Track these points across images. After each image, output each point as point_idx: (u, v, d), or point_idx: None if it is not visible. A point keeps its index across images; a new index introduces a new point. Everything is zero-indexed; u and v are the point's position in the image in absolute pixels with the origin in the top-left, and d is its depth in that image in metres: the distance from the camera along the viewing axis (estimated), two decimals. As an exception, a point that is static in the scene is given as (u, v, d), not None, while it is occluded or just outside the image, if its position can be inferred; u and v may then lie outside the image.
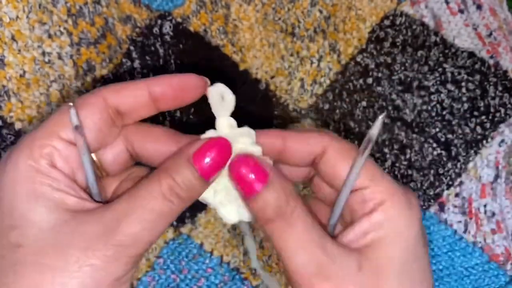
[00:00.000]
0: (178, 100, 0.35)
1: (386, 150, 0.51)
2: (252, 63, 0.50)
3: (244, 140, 0.35)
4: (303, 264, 0.32)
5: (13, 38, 0.46)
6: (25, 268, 0.27)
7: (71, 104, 0.31)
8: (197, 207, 0.50)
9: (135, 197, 0.30)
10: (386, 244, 0.33)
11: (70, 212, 0.29)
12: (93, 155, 0.34)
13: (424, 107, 0.52)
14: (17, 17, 0.46)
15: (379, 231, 0.33)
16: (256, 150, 0.35)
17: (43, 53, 0.47)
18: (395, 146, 0.51)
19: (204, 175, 0.31)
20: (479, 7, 0.53)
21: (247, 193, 0.33)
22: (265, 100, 0.51)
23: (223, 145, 0.31)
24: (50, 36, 0.47)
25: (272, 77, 0.51)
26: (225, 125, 0.35)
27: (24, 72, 0.47)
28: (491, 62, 0.52)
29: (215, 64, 0.50)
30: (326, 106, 0.51)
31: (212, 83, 0.37)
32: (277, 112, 0.51)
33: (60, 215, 0.29)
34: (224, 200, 0.34)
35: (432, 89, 0.52)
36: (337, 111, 0.51)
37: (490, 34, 0.53)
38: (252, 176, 0.32)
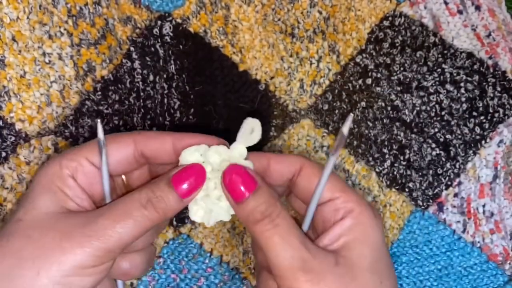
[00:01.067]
0: None
1: (385, 150, 0.52)
2: (251, 63, 0.51)
3: (244, 162, 0.38)
4: (289, 259, 0.35)
5: (13, 39, 0.47)
6: (15, 237, 0.33)
7: (98, 120, 0.37)
8: (197, 207, 0.50)
9: (118, 202, 0.35)
10: (357, 245, 0.37)
11: (66, 209, 0.35)
12: (123, 176, 0.40)
13: (423, 107, 0.52)
14: (18, 18, 0.47)
15: (350, 234, 0.38)
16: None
17: (44, 54, 0.47)
18: (394, 146, 0.52)
19: (180, 195, 0.35)
20: (478, 8, 0.53)
21: (237, 198, 0.37)
22: (265, 100, 0.51)
23: (199, 172, 0.36)
24: (50, 37, 0.47)
25: (271, 78, 0.51)
26: (237, 151, 0.39)
27: (25, 72, 0.47)
28: (490, 62, 0.52)
29: (215, 65, 0.50)
30: (326, 107, 0.52)
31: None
32: (277, 112, 0.51)
33: (57, 208, 0.35)
34: (198, 200, 0.37)
35: (431, 90, 0.52)
36: (336, 111, 0.52)
37: (489, 35, 0.53)
38: (242, 183, 0.37)
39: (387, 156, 0.52)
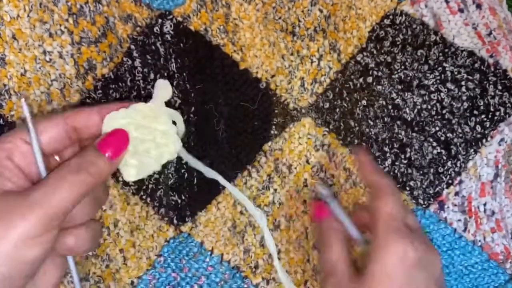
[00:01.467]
0: None
1: (386, 148, 0.52)
2: (252, 62, 0.50)
3: (164, 118, 0.41)
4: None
5: (14, 37, 0.47)
6: None
7: (23, 99, 0.39)
8: (197, 206, 0.50)
9: (51, 173, 0.37)
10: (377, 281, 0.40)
11: (3, 191, 0.36)
12: (57, 157, 0.41)
13: (424, 106, 0.52)
14: (18, 16, 0.47)
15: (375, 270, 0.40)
16: (172, 129, 0.42)
17: (44, 52, 0.47)
18: (395, 145, 0.52)
19: (108, 157, 0.38)
20: (478, 6, 0.53)
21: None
22: (266, 99, 0.51)
23: (121, 136, 0.38)
24: (51, 35, 0.47)
25: (272, 76, 0.51)
26: (156, 104, 0.42)
27: (25, 71, 0.47)
28: (491, 61, 0.52)
29: (215, 63, 0.50)
30: (326, 105, 0.52)
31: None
32: (277, 111, 0.51)
33: None
34: (128, 159, 0.40)
35: (432, 88, 0.52)
36: (337, 110, 0.52)
37: (490, 33, 0.53)
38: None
39: (388, 154, 0.52)
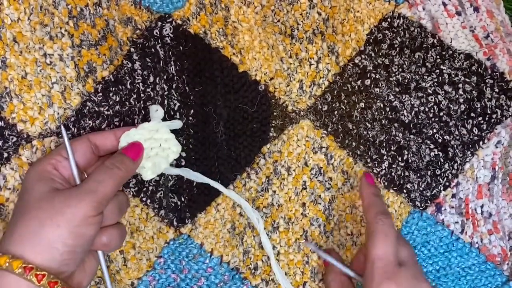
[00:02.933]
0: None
1: (383, 151, 0.52)
2: (251, 64, 0.51)
3: (164, 130, 0.49)
4: None
5: (14, 40, 0.47)
6: (30, 209, 0.43)
7: (63, 127, 0.46)
8: (197, 208, 0.50)
9: (93, 172, 0.46)
10: None
11: (55, 189, 0.44)
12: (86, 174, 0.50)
13: (422, 108, 0.52)
14: (19, 19, 0.47)
15: None
16: (171, 137, 0.49)
17: (45, 55, 0.47)
18: (393, 147, 0.52)
19: (132, 158, 0.47)
20: (476, 9, 0.53)
21: None
22: (264, 101, 0.51)
23: (138, 145, 0.48)
24: (51, 38, 0.47)
25: (271, 79, 0.51)
26: (155, 122, 0.49)
27: (26, 73, 0.47)
28: (488, 64, 0.53)
29: (214, 66, 0.50)
30: (325, 108, 0.52)
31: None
32: (276, 113, 0.51)
33: (51, 189, 0.44)
34: (144, 163, 0.48)
35: (430, 91, 0.52)
36: (335, 112, 0.52)
37: (487, 36, 0.53)
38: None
39: (385, 157, 0.52)
